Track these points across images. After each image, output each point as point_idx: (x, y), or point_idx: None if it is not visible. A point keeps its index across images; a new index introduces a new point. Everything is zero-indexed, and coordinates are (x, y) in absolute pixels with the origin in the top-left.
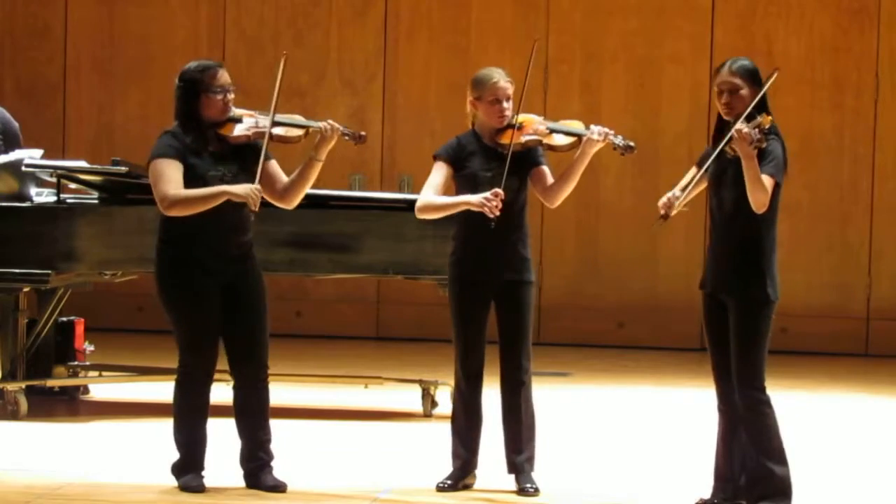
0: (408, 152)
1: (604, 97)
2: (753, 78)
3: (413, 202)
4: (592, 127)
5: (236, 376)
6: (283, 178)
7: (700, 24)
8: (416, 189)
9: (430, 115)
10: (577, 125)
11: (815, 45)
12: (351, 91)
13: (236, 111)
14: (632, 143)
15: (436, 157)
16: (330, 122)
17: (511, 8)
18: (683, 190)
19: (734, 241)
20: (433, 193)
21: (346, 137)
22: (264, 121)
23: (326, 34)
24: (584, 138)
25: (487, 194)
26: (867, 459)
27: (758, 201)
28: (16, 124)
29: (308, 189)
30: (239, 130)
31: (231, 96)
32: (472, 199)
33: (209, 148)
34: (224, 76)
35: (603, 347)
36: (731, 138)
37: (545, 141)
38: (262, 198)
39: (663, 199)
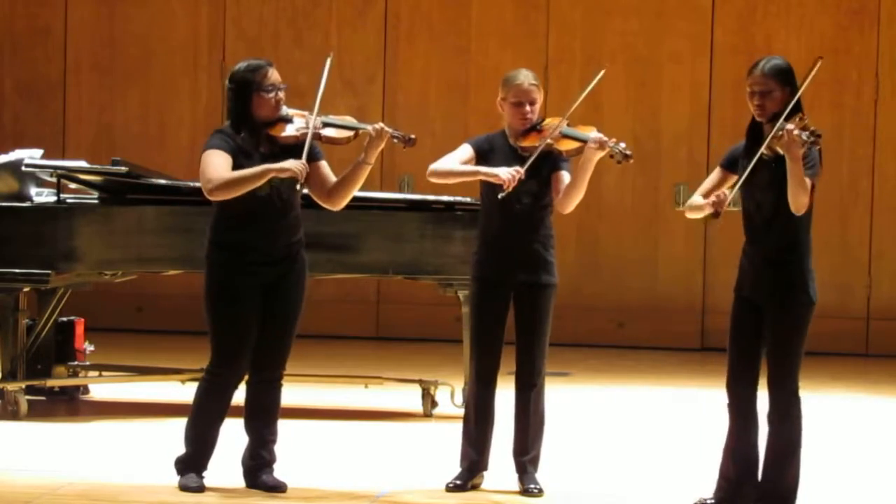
0: (408, 152)
1: (604, 97)
2: (787, 78)
3: (413, 202)
4: (592, 133)
5: (253, 373)
6: (333, 178)
7: (700, 24)
8: (417, 189)
9: (430, 115)
10: (587, 131)
11: (815, 45)
12: (351, 91)
13: (288, 110)
14: (629, 153)
15: (465, 142)
16: (380, 124)
17: (511, 8)
18: (706, 194)
19: (774, 244)
20: (453, 163)
21: (396, 140)
22: (315, 121)
23: (326, 34)
24: (586, 145)
25: (512, 170)
26: (867, 459)
27: (799, 203)
28: None
29: (356, 191)
30: (289, 131)
31: (282, 94)
32: (501, 172)
33: (260, 149)
34: (274, 74)
35: (603, 347)
36: (773, 138)
37: (556, 146)
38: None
39: (712, 198)
